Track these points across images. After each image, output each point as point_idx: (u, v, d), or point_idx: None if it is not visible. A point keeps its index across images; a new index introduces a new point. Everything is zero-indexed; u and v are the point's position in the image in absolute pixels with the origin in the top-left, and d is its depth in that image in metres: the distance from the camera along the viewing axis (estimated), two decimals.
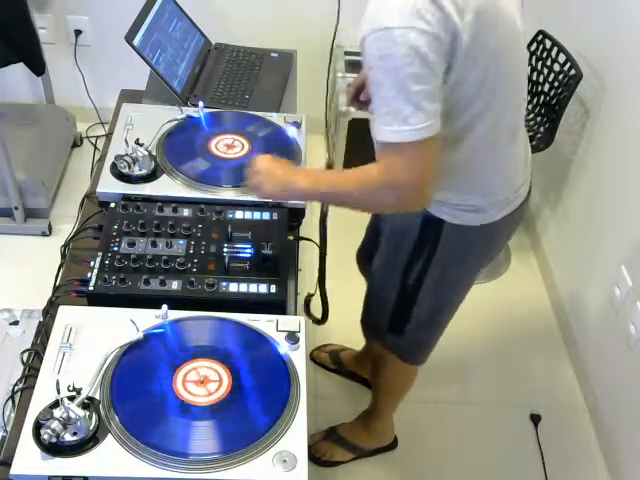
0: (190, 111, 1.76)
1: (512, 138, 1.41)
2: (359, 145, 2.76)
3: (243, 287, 1.35)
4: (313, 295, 1.64)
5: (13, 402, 1.25)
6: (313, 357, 2.36)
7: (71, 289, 1.37)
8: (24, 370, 1.28)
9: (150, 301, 1.30)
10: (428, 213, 1.45)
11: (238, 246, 1.43)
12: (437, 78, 1.18)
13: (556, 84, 2.40)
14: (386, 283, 1.63)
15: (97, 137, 3.06)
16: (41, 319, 1.39)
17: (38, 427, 1.09)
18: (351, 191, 1.31)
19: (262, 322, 1.29)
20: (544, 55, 2.48)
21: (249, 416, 1.15)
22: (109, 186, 1.54)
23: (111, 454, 1.08)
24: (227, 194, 1.55)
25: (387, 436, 2.15)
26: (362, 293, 1.79)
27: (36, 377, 1.18)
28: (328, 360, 2.34)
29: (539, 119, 2.48)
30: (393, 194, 1.25)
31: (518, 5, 1.32)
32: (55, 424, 1.07)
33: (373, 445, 2.13)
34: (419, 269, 1.54)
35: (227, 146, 1.67)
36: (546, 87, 2.46)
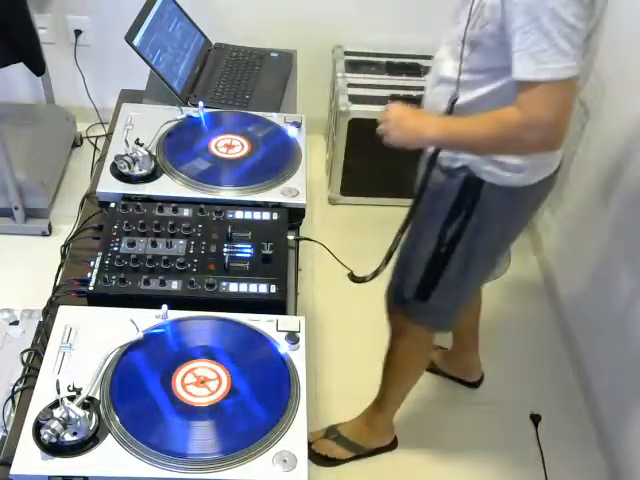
0: (190, 111, 1.75)
1: None
2: (359, 145, 2.78)
3: (243, 287, 1.35)
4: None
5: (13, 402, 1.25)
6: None
7: (71, 289, 1.37)
8: (24, 370, 1.28)
9: (150, 301, 1.30)
10: (469, 174, 1.50)
11: (238, 246, 1.43)
12: (586, 20, 1.25)
13: None
14: (418, 247, 1.66)
15: (97, 137, 3.06)
16: (41, 319, 1.39)
17: (38, 427, 1.09)
18: (488, 135, 1.36)
19: (262, 322, 1.29)
20: None
21: (249, 416, 1.15)
22: (109, 186, 1.54)
23: (111, 454, 1.08)
24: (227, 194, 1.55)
25: (388, 435, 2.15)
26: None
27: (36, 377, 1.18)
28: None
29: None
30: (536, 134, 1.29)
31: None
32: (55, 424, 1.07)
33: (374, 444, 2.13)
34: (454, 231, 1.57)
35: (227, 146, 1.67)
36: None
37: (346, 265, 1.66)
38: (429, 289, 1.69)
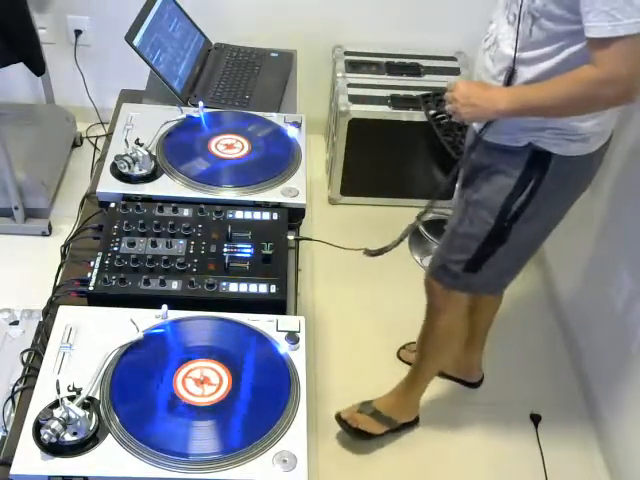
0: (190, 111, 1.75)
1: None
2: (359, 145, 2.78)
3: (243, 287, 1.35)
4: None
5: (13, 402, 1.25)
6: (400, 356, 2.38)
7: (71, 289, 1.37)
8: (24, 370, 1.28)
9: (150, 301, 1.30)
10: (536, 149, 1.55)
11: (238, 246, 1.43)
12: None
13: None
14: (475, 223, 1.70)
15: (97, 137, 3.06)
16: (41, 319, 1.39)
17: (38, 427, 1.09)
18: (566, 96, 1.41)
19: (262, 322, 1.29)
20: None
21: (249, 416, 1.15)
22: (109, 186, 1.54)
23: (111, 454, 1.08)
24: (227, 194, 1.55)
25: (415, 410, 2.19)
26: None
27: (36, 377, 1.18)
28: None
29: None
30: (614, 88, 1.36)
31: None
32: (55, 424, 1.07)
33: (404, 419, 2.17)
34: (518, 206, 1.62)
35: (227, 146, 1.67)
36: None
37: (353, 248, 1.68)
38: (481, 262, 1.74)
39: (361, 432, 2.12)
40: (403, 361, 2.37)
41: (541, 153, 1.56)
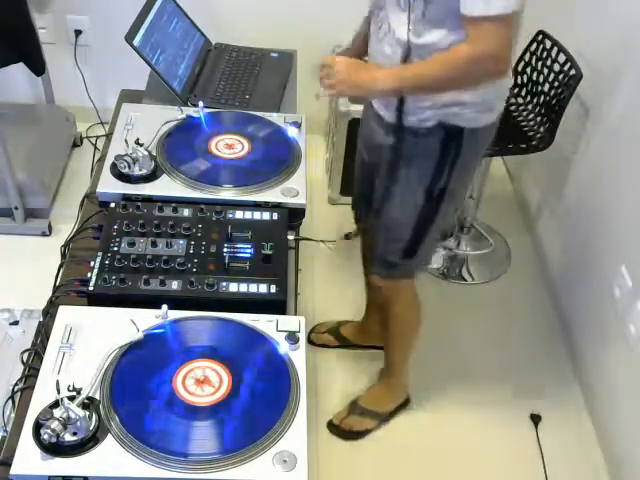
0: (190, 111, 1.75)
1: None
2: None
3: (243, 287, 1.35)
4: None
5: (13, 402, 1.25)
6: (312, 340, 2.39)
7: (71, 289, 1.37)
8: (24, 370, 1.28)
9: (150, 301, 1.30)
10: (447, 127, 1.59)
11: (238, 246, 1.43)
12: None
13: (556, 84, 2.40)
14: (404, 211, 1.73)
15: (97, 137, 3.06)
16: (41, 319, 1.39)
17: (38, 427, 1.09)
18: (442, 75, 1.47)
19: (262, 322, 1.29)
20: (544, 55, 2.47)
21: (249, 416, 1.15)
22: (109, 186, 1.54)
23: (111, 454, 1.08)
24: (227, 194, 1.55)
25: (402, 392, 2.22)
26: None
27: (36, 377, 1.18)
28: (331, 339, 2.39)
29: (539, 119, 2.48)
30: (484, 66, 1.43)
31: None
32: (55, 424, 1.07)
33: (392, 406, 2.20)
34: (443, 184, 1.66)
35: (227, 146, 1.67)
36: (546, 87, 2.46)
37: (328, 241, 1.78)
38: (416, 247, 1.78)
39: (357, 433, 2.15)
40: (317, 345, 2.39)
41: (453, 130, 1.60)
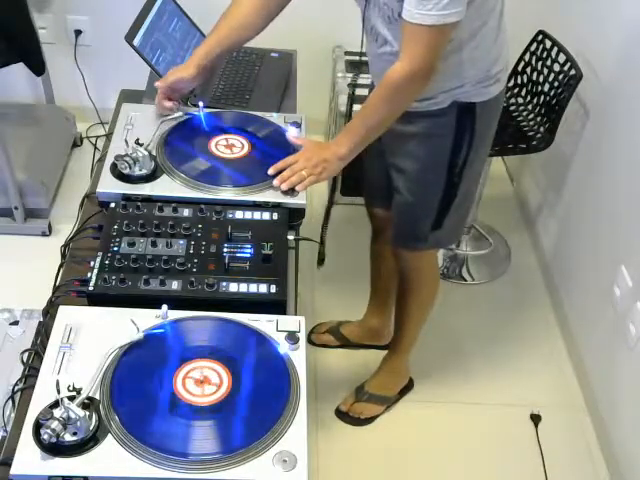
0: (190, 111, 1.75)
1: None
2: None
3: (243, 287, 1.35)
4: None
5: (13, 402, 1.25)
6: (312, 340, 2.39)
7: (71, 289, 1.37)
8: (24, 370, 1.28)
9: (150, 301, 1.30)
10: (460, 103, 1.65)
11: (238, 246, 1.43)
12: None
13: (556, 84, 2.40)
14: (429, 189, 1.79)
15: (97, 137, 3.06)
16: (41, 319, 1.39)
17: (38, 427, 1.09)
18: (385, 108, 1.55)
19: (262, 322, 1.29)
20: (544, 55, 2.48)
21: (249, 416, 1.15)
22: (109, 186, 1.54)
23: (111, 454, 1.08)
24: (227, 194, 1.55)
25: (405, 374, 2.27)
26: None
27: (36, 377, 1.18)
28: (331, 339, 2.40)
29: (539, 119, 2.48)
30: (419, 82, 1.50)
31: None
32: (55, 424, 1.07)
33: (397, 389, 2.25)
34: (463, 158, 1.72)
35: (227, 146, 1.67)
36: (546, 87, 2.46)
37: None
38: (442, 218, 1.83)
39: (366, 419, 2.20)
40: (317, 345, 2.39)
41: (466, 106, 1.66)
